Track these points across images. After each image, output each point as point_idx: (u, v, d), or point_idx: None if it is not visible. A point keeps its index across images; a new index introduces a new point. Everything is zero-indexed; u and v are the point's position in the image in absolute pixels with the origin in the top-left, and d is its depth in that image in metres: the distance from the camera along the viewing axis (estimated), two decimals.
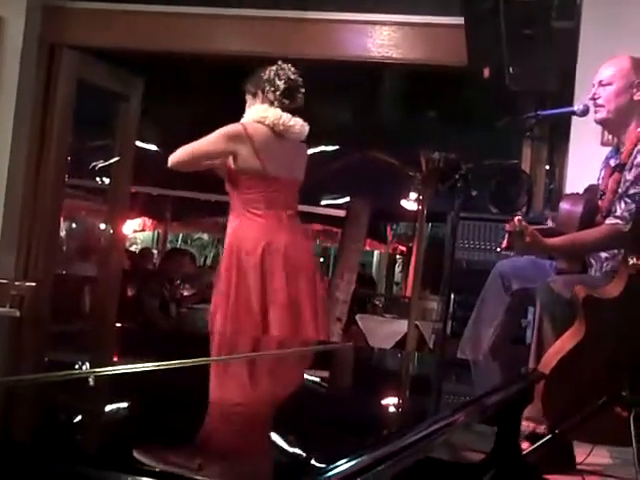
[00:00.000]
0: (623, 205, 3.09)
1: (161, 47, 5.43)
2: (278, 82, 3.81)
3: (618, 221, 3.08)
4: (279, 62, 3.90)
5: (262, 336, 3.47)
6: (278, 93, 3.81)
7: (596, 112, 3.28)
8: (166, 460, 0.87)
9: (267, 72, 3.85)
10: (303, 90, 3.89)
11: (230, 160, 3.76)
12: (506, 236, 3.08)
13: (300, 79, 3.88)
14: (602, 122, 3.33)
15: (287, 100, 3.83)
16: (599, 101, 3.25)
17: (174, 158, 3.73)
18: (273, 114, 3.77)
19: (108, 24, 5.42)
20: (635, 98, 3.21)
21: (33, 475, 0.81)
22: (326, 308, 4.22)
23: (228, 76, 6.24)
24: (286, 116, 3.80)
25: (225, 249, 3.88)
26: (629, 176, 3.11)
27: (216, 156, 3.81)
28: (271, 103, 3.82)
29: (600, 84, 3.26)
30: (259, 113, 3.79)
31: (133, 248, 13.83)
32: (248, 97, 3.92)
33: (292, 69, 3.88)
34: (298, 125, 3.85)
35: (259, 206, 3.78)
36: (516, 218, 3.05)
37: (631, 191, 3.08)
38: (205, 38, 5.31)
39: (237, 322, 3.69)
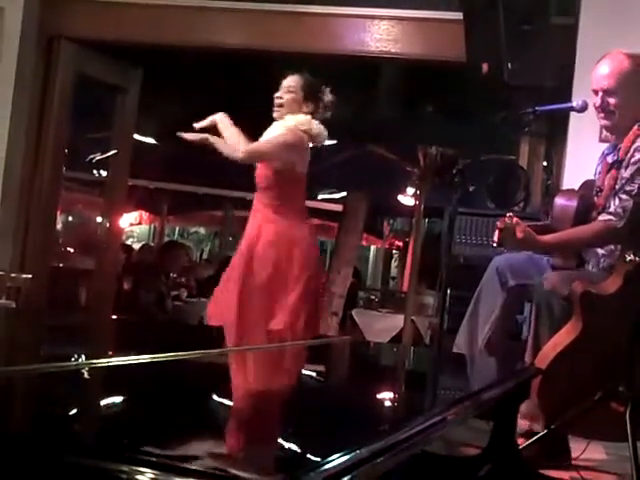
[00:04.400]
0: (617, 201, 3.09)
1: (160, 39, 5.41)
2: (326, 98, 4.02)
3: (611, 217, 3.08)
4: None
5: (259, 329, 3.47)
6: (327, 111, 4.03)
7: (605, 118, 3.25)
8: (161, 451, 0.87)
9: (320, 87, 4.03)
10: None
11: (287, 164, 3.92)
12: (497, 232, 3.08)
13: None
14: (612, 127, 3.30)
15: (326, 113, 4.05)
16: (610, 108, 3.23)
17: (245, 156, 3.82)
18: (316, 127, 3.96)
19: (107, 16, 5.40)
20: None
21: (29, 464, 0.81)
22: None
23: (226, 69, 6.22)
24: (323, 128, 4.00)
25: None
26: (625, 173, 3.11)
27: (279, 164, 3.92)
28: (312, 115, 3.98)
29: (606, 93, 3.22)
30: (307, 125, 3.94)
31: (129, 241, 13.81)
32: (292, 97, 3.98)
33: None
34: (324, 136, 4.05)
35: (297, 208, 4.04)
36: (507, 215, 3.05)
37: (627, 188, 3.09)
38: (204, 31, 5.29)
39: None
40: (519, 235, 3.01)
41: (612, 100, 3.21)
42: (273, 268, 3.78)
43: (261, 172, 3.96)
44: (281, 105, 3.98)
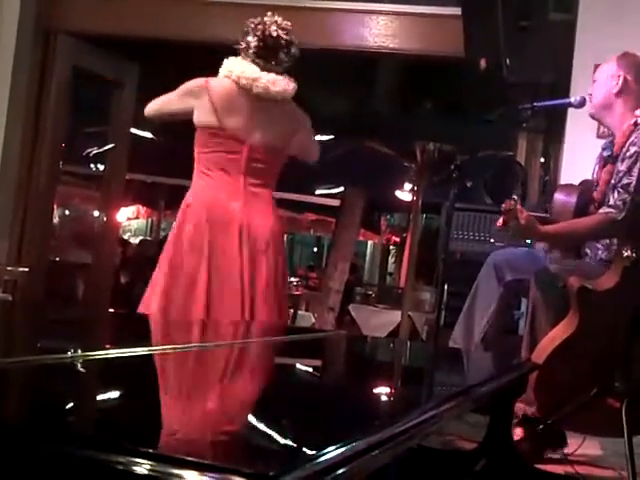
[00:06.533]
0: (616, 195, 3.12)
1: (157, 34, 5.41)
2: (249, 38, 3.46)
3: (611, 210, 3.10)
4: (269, 14, 3.53)
5: (252, 321, 3.47)
6: (250, 51, 3.45)
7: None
8: (156, 444, 0.87)
9: (248, 24, 3.50)
10: (290, 50, 3.51)
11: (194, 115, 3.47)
12: (502, 216, 3.09)
13: (286, 37, 3.49)
14: (591, 117, 3.43)
15: (260, 60, 3.45)
16: (589, 92, 3.36)
17: (147, 110, 3.59)
18: (239, 68, 3.41)
19: (104, 10, 5.39)
20: (612, 90, 3.26)
21: (24, 456, 0.81)
22: (284, 299, 3.73)
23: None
24: (251, 69, 3.41)
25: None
26: (621, 167, 3.14)
27: (178, 113, 3.53)
28: (246, 58, 3.47)
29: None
30: (227, 67, 3.45)
31: (127, 236, 13.81)
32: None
33: (280, 24, 3.50)
34: (265, 79, 3.41)
35: (211, 167, 3.42)
36: (512, 198, 3.07)
37: (624, 181, 3.11)
38: (201, 25, 5.28)
39: (171, 300, 3.34)
40: (522, 221, 3.02)
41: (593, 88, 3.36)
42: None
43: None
44: None
